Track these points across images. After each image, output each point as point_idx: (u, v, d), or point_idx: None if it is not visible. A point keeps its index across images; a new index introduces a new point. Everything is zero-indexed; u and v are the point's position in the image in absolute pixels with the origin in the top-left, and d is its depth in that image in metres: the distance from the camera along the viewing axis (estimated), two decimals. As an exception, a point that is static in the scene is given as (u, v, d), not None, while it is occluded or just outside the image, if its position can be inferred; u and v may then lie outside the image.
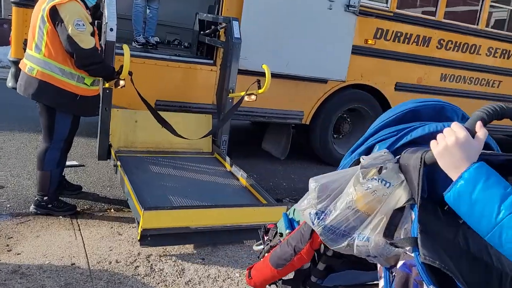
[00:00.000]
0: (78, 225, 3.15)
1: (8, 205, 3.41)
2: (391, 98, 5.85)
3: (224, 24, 4.49)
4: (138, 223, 2.69)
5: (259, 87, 3.90)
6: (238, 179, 3.82)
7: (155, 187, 3.40)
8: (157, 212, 2.75)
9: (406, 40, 5.72)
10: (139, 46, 5.03)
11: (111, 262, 2.64)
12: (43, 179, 3.27)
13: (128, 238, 2.99)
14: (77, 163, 4.53)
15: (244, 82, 4.74)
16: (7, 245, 2.71)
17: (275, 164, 5.49)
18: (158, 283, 2.48)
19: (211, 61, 4.78)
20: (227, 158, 4.10)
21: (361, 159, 1.25)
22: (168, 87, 4.67)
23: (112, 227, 3.16)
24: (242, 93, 4.08)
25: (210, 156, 4.37)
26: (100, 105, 3.74)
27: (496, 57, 6.41)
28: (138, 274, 2.54)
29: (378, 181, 1.16)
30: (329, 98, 5.47)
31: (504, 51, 6.40)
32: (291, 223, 1.63)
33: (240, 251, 2.99)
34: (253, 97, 4.04)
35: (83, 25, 3.05)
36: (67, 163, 4.45)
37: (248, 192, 3.59)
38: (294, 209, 1.63)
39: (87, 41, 3.06)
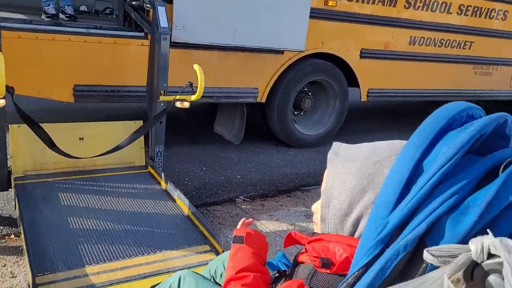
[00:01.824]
0: (-41, 265, 2.35)
1: None
2: (356, 67, 5.19)
3: (149, 6, 3.60)
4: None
5: (193, 92, 3.13)
6: (174, 201, 3.10)
7: (64, 228, 2.62)
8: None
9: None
10: (48, 19, 4.06)
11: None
12: None
13: (23, 282, 2.23)
14: (-21, 170, 3.64)
15: (184, 58, 3.97)
16: None
17: (229, 150, 4.76)
18: None
19: (141, 34, 3.92)
20: (162, 174, 3.35)
21: (426, 255, 0.61)
22: (89, 68, 3.78)
23: (5, 265, 2.39)
24: (175, 97, 3.29)
25: (143, 170, 3.58)
26: None
27: (468, 15, 5.81)
28: None
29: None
30: (286, 71, 4.73)
31: (476, 9, 5.81)
32: None
33: None
34: (186, 104, 3.29)
35: None
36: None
37: (186, 221, 2.86)
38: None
39: None
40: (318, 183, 4.14)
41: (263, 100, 4.74)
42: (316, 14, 4.59)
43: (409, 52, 5.57)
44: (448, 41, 5.81)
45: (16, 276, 2.29)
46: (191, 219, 2.90)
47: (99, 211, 2.91)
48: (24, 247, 2.36)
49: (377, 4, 5.05)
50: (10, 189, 3.10)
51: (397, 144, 0.94)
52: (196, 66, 3.11)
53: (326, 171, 1.00)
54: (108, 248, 2.49)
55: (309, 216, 3.35)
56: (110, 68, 3.88)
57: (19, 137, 3.25)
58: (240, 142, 4.90)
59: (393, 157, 0.90)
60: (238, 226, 1.36)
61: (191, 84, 3.14)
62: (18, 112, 2.82)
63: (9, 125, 3.22)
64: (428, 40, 5.67)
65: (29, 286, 2.08)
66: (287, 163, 4.58)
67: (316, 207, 1.04)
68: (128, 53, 3.90)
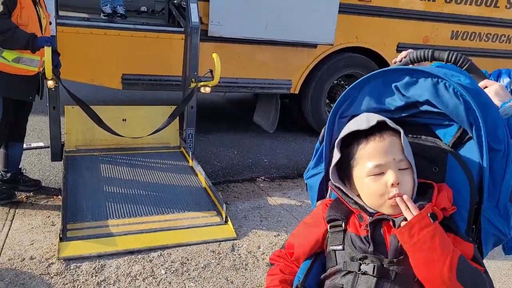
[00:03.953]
0: (14, 214, 2.91)
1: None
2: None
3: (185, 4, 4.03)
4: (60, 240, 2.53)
5: (212, 78, 3.50)
6: (196, 175, 3.53)
7: (98, 191, 3.14)
8: (75, 243, 2.53)
9: (409, -6, 5.06)
10: (105, 17, 4.65)
11: (24, 258, 2.38)
12: None
13: (59, 229, 2.72)
14: (43, 145, 4.30)
15: (220, 52, 4.31)
16: None
17: (263, 138, 5.09)
18: (66, 283, 2.20)
19: (181, 29, 4.36)
20: (190, 153, 3.81)
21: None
22: (135, 59, 4.30)
23: (49, 216, 2.91)
24: (197, 84, 3.69)
25: (176, 150, 4.06)
26: (48, 104, 3.43)
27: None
28: (48, 273, 2.27)
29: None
30: (319, 64, 4.95)
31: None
32: None
33: (177, 250, 2.65)
34: (208, 89, 3.71)
35: None
36: (33, 144, 4.29)
37: (201, 190, 3.29)
38: None
39: None
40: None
41: (297, 92, 4.99)
42: (349, 9, 4.76)
43: (452, 46, 5.50)
44: (495, 35, 5.65)
45: (55, 224, 2.79)
46: (206, 190, 3.28)
47: (131, 180, 3.39)
48: (62, 203, 2.87)
49: (415, -2, 5.09)
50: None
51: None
52: (214, 55, 3.47)
53: None
54: (130, 208, 2.95)
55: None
56: (154, 60, 4.36)
57: (73, 116, 3.84)
58: (276, 131, 5.20)
59: None
60: None
61: (211, 71, 3.50)
62: (69, 94, 3.35)
63: (65, 106, 3.82)
64: (473, 35, 5.57)
65: (61, 230, 2.56)
66: (316, 152, 4.80)
67: None
68: (169, 47, 4.36)
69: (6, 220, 2.82)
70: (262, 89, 4.91)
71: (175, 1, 4.39)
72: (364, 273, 1.08)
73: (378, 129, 1.13)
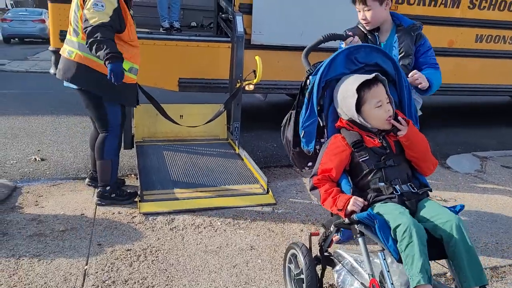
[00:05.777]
0: (99, 186, 3.66)
1: (48, 172, 4.04)
2: (420, 64, 5.73)
3: (231, 17, 4.72)
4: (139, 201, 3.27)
5: (255, 77, 4.16)
6: (242, 159, 4.18)
7: (163, 170, 3.86)
8: (150, 203, 3.25)
9: (433, 2, 5.55)
10: (164, 31, 5.46)
11: (114, 213, 3.10)
12: (104, 168, 3.22)
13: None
14: (113, 138, 5.10)
15: (261, 57, 5.00)
16: (36, 201, 3.29)
17: (300, 134, 5.68)
18: (147, 228, 2.90)
19: (228, 39, 5.07)
20: (237, 142, 4.48)
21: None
22: (190, 65, 5.04)
23: (127, 188, 3.64)
24: (244, 83, 4.35)
25: (224, 142, 4.76)
26: None
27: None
28: (133, 222, 2.97)
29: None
30: (350, 67, 5.51)
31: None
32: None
33: (229, 210, 3.29)
34: (251, 86, 4.37)
35: (102, 6, 2.86)
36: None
37: (247, 170, 3.96)
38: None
39: (97, 19, 2.84)
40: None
41: (330, 92, 5.57)
42: (376, 17, 5.31)
43: (476, 50, 5.92)
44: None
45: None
46: (251, 169, 3.93)
47: (188, 162, 4.09)
48: (138, 177, 3.59)
49: (438, 6, 5.58)
50: (133, 148, 4.43)
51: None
52: (256, 57, 4.13)
53: None
54: (189, 181, 3.64)
55: (348, 178, 4.13)
56: (204, 65, 5.09)
57: (140, 113, 4.61)
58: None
59: None
60: None
61: (254, 71, 4.16)
62: (142, 91, 4.07)
63: (134, 104, 4.58)
64: (497, 38, 5.96)
65: (138, 195, 3.27)
66: (347, 145, 5.35)
67: None
68: (218, 54, 5.08)
69: (95, 190, 3.57)
70: (298, 91, 5.52)
71: (223, 15, 5.13)
72: (389, 166, 1.82)
73: (374, 80, 1.88)
